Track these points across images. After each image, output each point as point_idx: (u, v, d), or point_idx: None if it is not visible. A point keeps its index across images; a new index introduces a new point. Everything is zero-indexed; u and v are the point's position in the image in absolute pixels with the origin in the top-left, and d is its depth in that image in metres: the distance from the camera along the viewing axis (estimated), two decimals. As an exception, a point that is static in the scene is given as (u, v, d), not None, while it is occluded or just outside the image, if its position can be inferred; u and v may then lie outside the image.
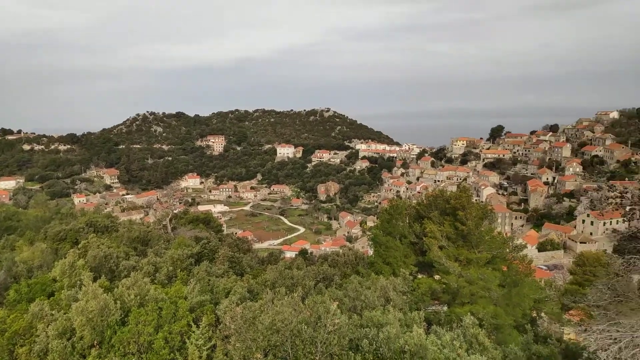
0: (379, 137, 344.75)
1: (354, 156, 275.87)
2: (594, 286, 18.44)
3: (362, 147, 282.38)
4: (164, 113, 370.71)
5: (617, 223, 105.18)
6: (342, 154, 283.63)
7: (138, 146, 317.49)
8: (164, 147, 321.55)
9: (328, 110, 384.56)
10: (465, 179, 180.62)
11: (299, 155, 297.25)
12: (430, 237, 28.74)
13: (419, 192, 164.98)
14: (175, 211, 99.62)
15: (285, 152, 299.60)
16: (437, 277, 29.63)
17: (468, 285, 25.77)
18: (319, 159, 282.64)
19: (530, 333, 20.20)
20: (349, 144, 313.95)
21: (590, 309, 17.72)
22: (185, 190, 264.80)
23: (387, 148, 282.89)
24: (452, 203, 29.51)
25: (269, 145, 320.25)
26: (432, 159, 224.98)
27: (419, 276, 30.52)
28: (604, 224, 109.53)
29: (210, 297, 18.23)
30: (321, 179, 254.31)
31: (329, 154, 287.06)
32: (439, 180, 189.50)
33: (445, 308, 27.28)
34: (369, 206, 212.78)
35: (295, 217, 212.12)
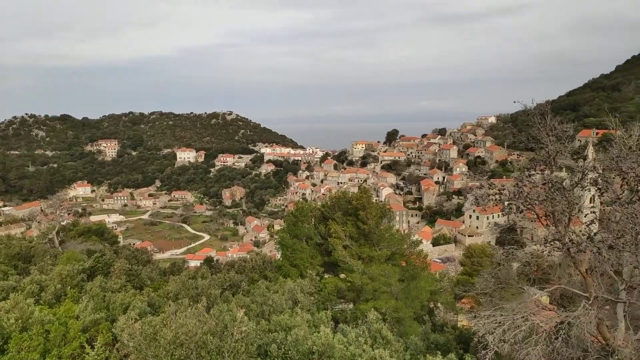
0: (284, 141, 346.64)
1: (259, 160, 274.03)
2: (480, 275, 20.25)
3: (267, 151, 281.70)
4: (46, 116, 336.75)
5: (497, 217, 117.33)
6: (247, 158, 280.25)
7: (16, 152, 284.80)
8: (47, 153, 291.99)
9: (231, 114, 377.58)
10: (365, 181, 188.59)
11: (201, 159, 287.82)
12: (334, 237, 29.53)
13: (324, 194, 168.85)
14: (63, 223, 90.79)
15: (186, 156, 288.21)
16: (342, 275, 30.49)
17: (371, 282, 26.88)
18: (222, 163, 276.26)
19: (429, 323, 21.64)
20: (253, 147, 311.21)
21: (478, 296, 19.45)
22: (75, 200, 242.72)
23: (292, 151, 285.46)
24: (354, 204, 30.62)
25: (168, 150, 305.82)
26: (335, 161, 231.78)
27: (326, 276, 31.16)
28: (487, 218, 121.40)
29: (106, 314, 16.85)
30: (226, 184, 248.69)
31: (233, 157, 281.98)
32: (341, 182, 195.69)
33: (351, 305, 28.18)
34: (276, 209, 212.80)
35: (199, 224, 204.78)
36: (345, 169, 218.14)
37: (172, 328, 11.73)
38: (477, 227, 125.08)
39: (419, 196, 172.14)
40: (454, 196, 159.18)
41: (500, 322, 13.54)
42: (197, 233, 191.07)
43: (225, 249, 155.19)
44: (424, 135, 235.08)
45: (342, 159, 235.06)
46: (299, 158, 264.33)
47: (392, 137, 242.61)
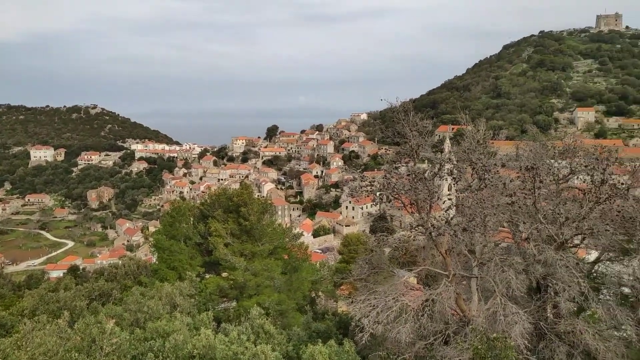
0: (157, 137, 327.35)
1: (129, 157, 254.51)
2: (356, 262, 21.44)
3: (139, 147, 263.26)
4: None
5: (370, 207, 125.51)
6: (116, 156, 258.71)
7: None
8: None
9: (95, 107, 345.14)
10: (246, 177, 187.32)
11: (60, 158, 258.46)
12: (215, 235, 28.81)
13: (203, 192, 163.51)
14: None
15: (42, 154, 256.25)
16: (225, 274, 29.94)
17: (254, 278, 26.83)
18: (87, 162, 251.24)
19: (310, 313, 22.30)
20: (122, 144, 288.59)
21: (355, 282, 20.56)
22: None
23: (167, 148, 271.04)
24: (235, 200, 30.18)
25: (20, 148, 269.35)
26: (215, 158, 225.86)
27: (207, 276, 30.32)
28: (362, 208, 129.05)
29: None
30: (91, 184, 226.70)
31: (100, 155, 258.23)
32: (222, 179, 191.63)
33: (234, 303, 27.82)
34: (151, 210, 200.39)
35: (61, 230, 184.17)
36: (225, 165, 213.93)
37: (28, 349, 10.37)
38: (353, 217, 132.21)
39: (299, 190, 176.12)
40: (331, 189, 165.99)
41: (374, 305, 14.50)
42: (59, 240, 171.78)
43: (93, 255, 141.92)
44: (302, 131, 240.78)
45: (222, 155, 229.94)
46: (175, 155, 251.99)
47: (272, 132, 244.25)
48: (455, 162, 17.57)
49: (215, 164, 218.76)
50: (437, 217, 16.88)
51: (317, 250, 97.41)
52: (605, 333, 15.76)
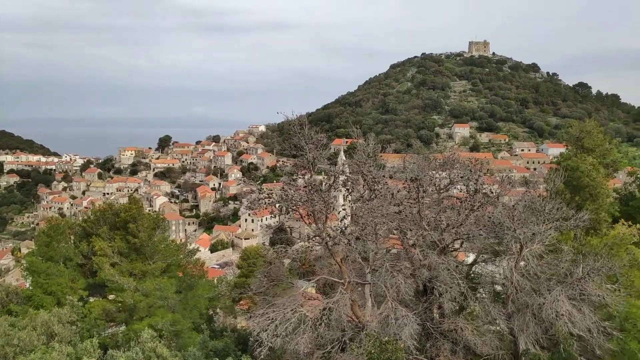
0: (31, 147, 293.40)
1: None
2: (254, 276, 21.26)
3: (8, 159, 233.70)
4: None
5: (269, 219, 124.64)
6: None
7: None
8: None
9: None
10: (136, 190, 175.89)
11: None
12: (100, 255, 26.63)
13: (86, 207, 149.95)
14: None
15: None
16: (112, 296, 27.79)
17: (145, 299, 25.23)
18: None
19: (207, 331, 21.52)
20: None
21: (254, 297, 20.36)
22: None
23: (43, 159, 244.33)
24: (123, 216, 28.19)
25: None
26: (100, 170, 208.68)
27: (91, 300, 27.87)
28: (261, 220, 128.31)
29: None
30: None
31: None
32: (108, 193, 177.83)
33: (123, 327, 25.89)
34: (23, 229, 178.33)
35: None
36: (112, 178, 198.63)
37: None
38: (252, 230, 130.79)
39: (195, 203, 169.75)
40: (230, 201, 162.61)
41: (272, 318, 14.48)
42: None
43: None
44: (198, 142, 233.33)
45: (108, 167, 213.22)
46: (53, 167, 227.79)
47: (165, 143, 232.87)
48: (348, 174, 18.38)
49: (100, 176, 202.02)
50: (332, 227, 17.45)
51: (215, 266, 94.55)
52: (482, 328, 17.49)
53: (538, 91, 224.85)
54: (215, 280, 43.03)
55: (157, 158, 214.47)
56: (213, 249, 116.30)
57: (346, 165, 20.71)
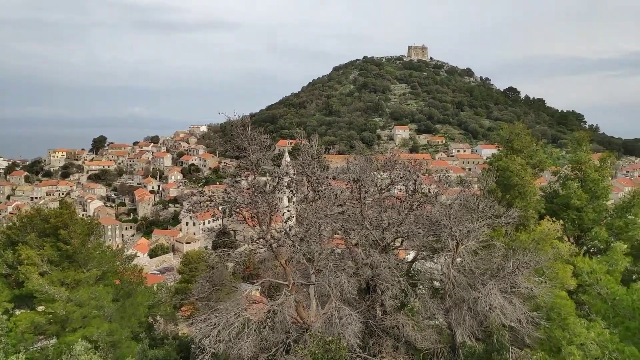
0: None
1: None
2: (196, 281, 20.74)
3: None
4: None
5: (212, 222, 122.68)
6: None
7: None
8: None
9: None
10: (68, 194, 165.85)
11: None
12: (27, 264, 24.83)
13: (12, 213, 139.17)
14: None
15: None
16: (41, 308, 26.01)
17: (79, 309, 23.87)
18: None
19: (146, 340, 20.75)
20: None
21: (196, 302, 19.85)
22: None
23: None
24: (52, 222, 26.47)
25: None
26: (27, 173, 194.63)
27: (18, 312, 25.94)
28: (203, 224, 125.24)
29: None
30: None
31: None
32: (36, 197, 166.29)
33: (54, 340, 24.36)
34: None
35: None
36: (40, 181, 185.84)
37: None
38: (194, 234, 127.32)
39: (133, 207, 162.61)
40: (170, 205, 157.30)
41: (215, 324, 14.18)
42: None
43: None
44: (135, 143, 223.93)
45: (36, 170, 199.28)
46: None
47: (99, 144, 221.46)
48: (292, 176, 18.39)
49: (27, 180, 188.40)
50: (277, 228, 17.38)
51: (155, 272, 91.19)
52: (422, 324, 18.11)
53: (472, 95, 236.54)
54: (155, 287, 41.44)
55: (91, 160, 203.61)
56: (152, 254, 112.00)
57: (290, 167, 20.73)
